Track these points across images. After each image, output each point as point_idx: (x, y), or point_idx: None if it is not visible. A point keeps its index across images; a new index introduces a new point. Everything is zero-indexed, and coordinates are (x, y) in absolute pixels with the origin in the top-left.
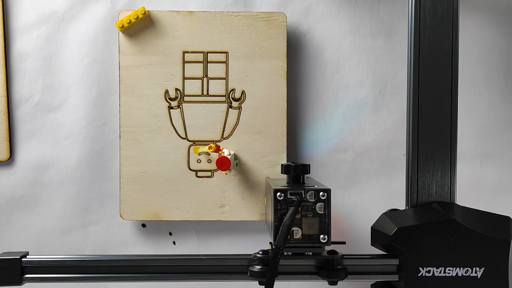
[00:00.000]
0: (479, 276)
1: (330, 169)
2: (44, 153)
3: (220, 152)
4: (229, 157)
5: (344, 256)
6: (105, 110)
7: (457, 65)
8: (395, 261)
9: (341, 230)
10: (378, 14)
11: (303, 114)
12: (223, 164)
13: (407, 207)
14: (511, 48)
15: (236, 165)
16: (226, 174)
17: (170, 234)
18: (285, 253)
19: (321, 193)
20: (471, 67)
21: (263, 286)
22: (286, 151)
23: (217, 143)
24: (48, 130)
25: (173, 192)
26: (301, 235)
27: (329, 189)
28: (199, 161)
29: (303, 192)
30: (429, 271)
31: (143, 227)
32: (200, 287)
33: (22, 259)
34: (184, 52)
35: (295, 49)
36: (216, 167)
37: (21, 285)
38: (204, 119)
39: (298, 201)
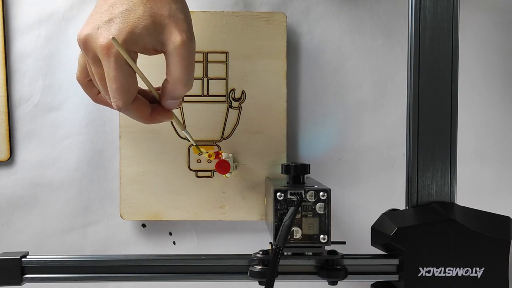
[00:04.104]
0: (479, 276)
1: (330, 169)
2: (44, 153)
3: (219, 156)
4: (227, 159)
5: (344, 256)
6: (105, 110)
7: (457, 65)
8: (395, 261)
9: (341, 230)
10: (378, 14)
11: (303, 114)
12: (223, 167)
13: (407, 207)
14: (511, 48)
15: (235, 168)
16: (226, 177)
17: (170, 234)
18: (285, 253)
19: (321, 193)
20: (471, 67)
21: (263, 286)
22: (286, 151)
23: (216, 143)
24: (48, 130)
25: (173, 192)
26: (301, 235)
27: (329, 189)
28: (199, 161)
29: (303, 192)
30: (429, 271)
31: (143, 227)
32: (200, 287)
33: (22, 259)
34: None
35: (295, 49)
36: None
37: (21, 285)
38: (204, 119)
39: (298, 201)
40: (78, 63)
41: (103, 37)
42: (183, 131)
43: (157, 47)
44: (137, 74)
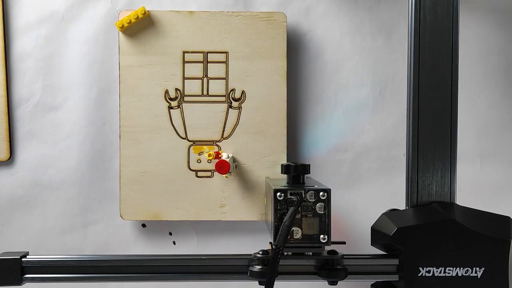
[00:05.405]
0: (479, 276)
1: (330, 169)
2: (44, 153)
3: (219, 156)
4: (227, 160)
5: (344, 256)
6: (105, 110)
7: (457, 65)
8: (395, 261)
9: (341, 230)
10: (378, 14)
11: (303, 114)
12: (222, 167)
13: (407, 207)
14: (511, 48)
15: (235, 168)
16: (226, 177)
17: (170, 234)
18: (285, 253)
19: (321, 193)
20: (471, 67)
21: (263, 286)
22: (286, 151)
23: (216, 143)
24: (48, 130)
25: (173, 192)
26: (301, 235)
27: (329, 189)
28: (199, 161)
29: (303, 192)
30: (429, 271)
31: (143, 227)
32: (200, 287)
33: (22, 259)
34: (184, 52)
35: (295, 49)
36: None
37: (21, 285)
38: (204, 119)
39: (298, 201)
40: None
41: None
42: None
43: None
44: None
